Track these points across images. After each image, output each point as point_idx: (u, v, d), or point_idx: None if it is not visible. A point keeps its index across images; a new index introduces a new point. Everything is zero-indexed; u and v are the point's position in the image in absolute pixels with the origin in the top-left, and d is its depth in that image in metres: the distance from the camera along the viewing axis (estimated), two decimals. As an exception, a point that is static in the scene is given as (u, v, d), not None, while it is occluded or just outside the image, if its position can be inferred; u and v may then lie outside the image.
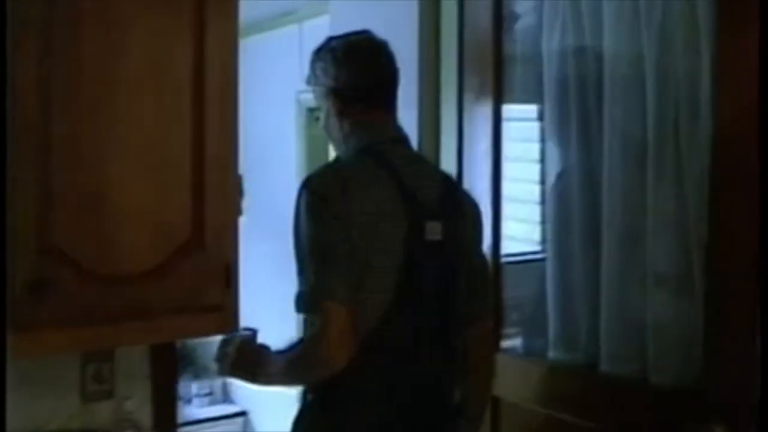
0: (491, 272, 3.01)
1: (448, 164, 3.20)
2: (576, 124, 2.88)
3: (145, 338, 2.23)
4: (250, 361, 2.53)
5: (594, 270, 2.85)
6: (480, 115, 3.12)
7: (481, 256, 2.76)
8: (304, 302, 2.39)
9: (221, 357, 2.57)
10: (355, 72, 2.58)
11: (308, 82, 2.67)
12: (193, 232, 2.19)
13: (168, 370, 2.61)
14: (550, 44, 2.92)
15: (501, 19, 3.07)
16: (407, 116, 3.17)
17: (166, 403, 2.61)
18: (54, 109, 2.01)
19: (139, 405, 2.53)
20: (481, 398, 2.76)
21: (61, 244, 2.03)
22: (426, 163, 2.75)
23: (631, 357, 2.76)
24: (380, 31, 3.06)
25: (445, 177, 2.70)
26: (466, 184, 3.11)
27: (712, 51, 2.50)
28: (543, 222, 3.17)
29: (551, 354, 2.98)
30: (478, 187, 3.10)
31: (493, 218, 3.07)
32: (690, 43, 2.57)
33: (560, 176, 2.98)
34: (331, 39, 2.64)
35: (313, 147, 4.66)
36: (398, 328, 2.44)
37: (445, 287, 2.54)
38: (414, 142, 3.12)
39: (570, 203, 2.92)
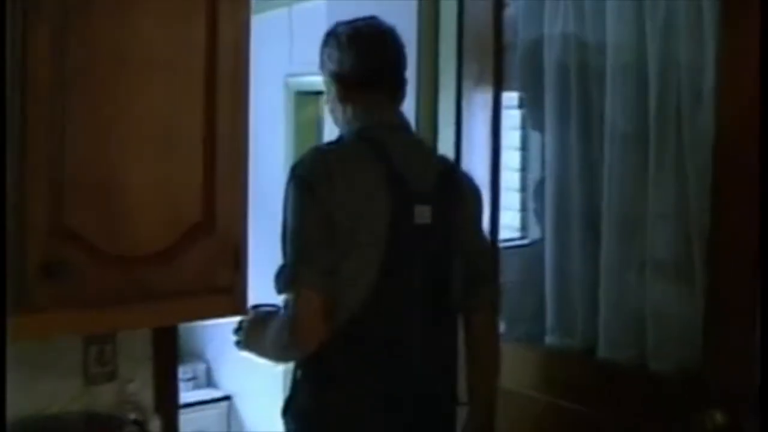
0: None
1: (445, 151, 3.20)
2: (576, 111, 2.90)
3: (155, 320, 2.23)
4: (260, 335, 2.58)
5: (593, 257, 2.87)
6: (479, 103, 3.12)
7: (484, 240, 2.79)
8: (282, 284, 2.44)
9: (236, 330, 2.64)
10: (356, 57, 2.60)
11: (319, 67, 2.67)
12: (203, 214, 2.18)
13: (169, 353, 2.60)
14: (552, 31, 2.93)
15: (501, 5, 3.07)
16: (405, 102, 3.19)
17: (167, 385, 2.60)
18: (67, 91, 1.99)
19: (141, 387, 2.52)
20: (489, 386, 2.77)
21: (74, 226, 2.01)
22: (425, 149, 2.77)
23: (630, 343, 2.79)
24: (378, 16, 3.07)
25: (445, 163, 2.72)
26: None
27: (716, 40, 2.52)
28: (523, 209, 3.20)
29: (548, 339, 3.00)
30: (476, 174, 3.10)
31: (492, 206, 3.08)
32: (693, 32, 2.59)
33: (557, 164, 2.98)
34: (338, 24, 2.65)
35: (301, 131, 4.64)
36: (382, 309, 2.47)
37: (438, 270, 2.57)
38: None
39: (569, 190, 2.93)
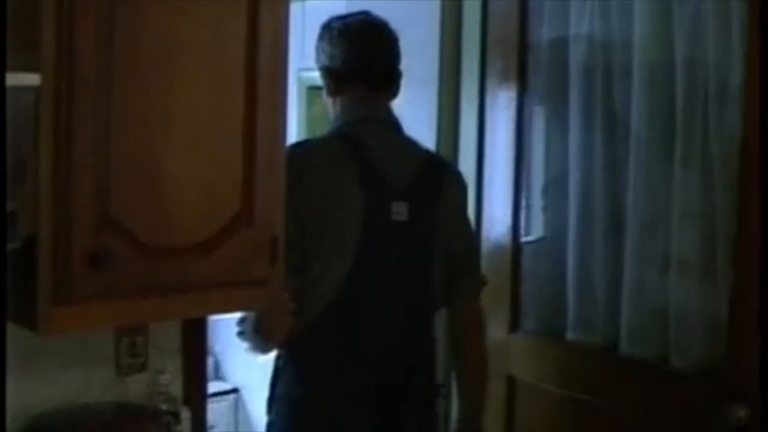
0: (510, 255, 3.05)
1: (466, 149, 3.22)
2: (601, 109, 2.91)
3: (194, 311, 2.23)
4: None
5: (615, 254, 2.89)
6: (502, 101, 3.14)
7: (466, 234, 2.82)
8: None
9: (239, 322, 2.69)
10: (345, 52, 2.67)
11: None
12: (243, 206, 2.19)
13: (199, 345, 2.61)
14: (578, 30, 2.94)
15: (526, 3, 3.08)
16: (426, 97, 3.21)
17: (196, 377, 2.60)
18: (112, 82, 1.99)
19: (171, 378, 2.52)
20: (476, 378, 2.83)
21: (118, 216, 2.02)
22: (409, 145, 2.77)
23: (652, 340, 2.81)
24: (401, 11, 3.09)
25: (430, 159, 2.76)
26: (487, 170, 3.14)
27: (744, 37, 2.53)
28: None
29: (570, 335, 3.01)
30: (498, 172, 3.13)
31: (514, 204, 3.10)
32: (721, 29, 2.61)
33: (581, 162, 3.00)
34: (332, 19, 2.73)
35: (313, 125, 4.65)
36: (355, 302, 2.56)
37: (416, 266, 2.64)
38: (432, 124, 3.16)
39: (592, 188, 2.94)
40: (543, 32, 3.07)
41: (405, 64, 3.24)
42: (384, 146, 2.60)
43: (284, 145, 2.28)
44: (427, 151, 2.82)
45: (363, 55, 2.66)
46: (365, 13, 2.70)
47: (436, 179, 2.67)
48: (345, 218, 2.52)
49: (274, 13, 2.21)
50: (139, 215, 2.05)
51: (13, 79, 1.83)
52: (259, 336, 2.59)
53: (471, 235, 2.89)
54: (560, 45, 3.00)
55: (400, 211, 2.57)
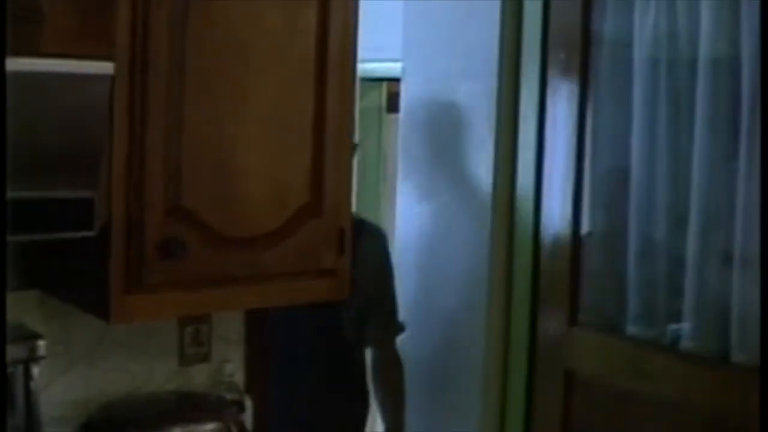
0: (570, 248, 3.05)
1: (525, 141, 3.21)
2: (665, 103, 2.89)
3: (261, 301, 2.23)
4: None
5: (677, 248, 2.87)
6: (564, 93, 3.11)
7: (382, 281, 3.14)
8: None
9: None
10: None
11: None
12: (312, 196, 2.19)
13: (262, 334, 2.61)
14: (643, 24, 2.91)
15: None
16: (486, 89, 3.20)
17: (259, 367, 2.61)
18: (185, 71, 2.00)
19: (234, 368, 2.53)
20: (394, 413, 3.21)
21: (190, 206, 2.03)
22: None
23: (714, 335, 2.78)
24: (462, 3, 3.08)
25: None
26: (546, 163, 3.12)
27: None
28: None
29: (630, 329, 2.99)
30: (559, 164, 3.11)
31: (575, 197, 3.07)
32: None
33: (644, 156, 2.98)
34: None
35: (366, 118, 4.65)
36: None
37: (331, 312, 2.92)
38: (492, 117, 3.15)
39: (655, 181, 2.92)
40: (606, 24, 3.04)
41: (465, 56, 3.26)
42: None
43: (351, 137, 2.27)
44: None
45: None
46: None
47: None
48: None
49: (344, 4, 2.21)
50: (210, 204, 2.06)
51: (87, 67, 1.82)
52: None
53: (387, 280, 3.18)
54: (624, 37, 2.97)
55: None
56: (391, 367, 3.22)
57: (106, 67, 1.85)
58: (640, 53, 2.94)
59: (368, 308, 3.08)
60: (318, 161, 2.19)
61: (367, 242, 3.01)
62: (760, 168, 2.41)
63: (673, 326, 2.90)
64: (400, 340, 3.28)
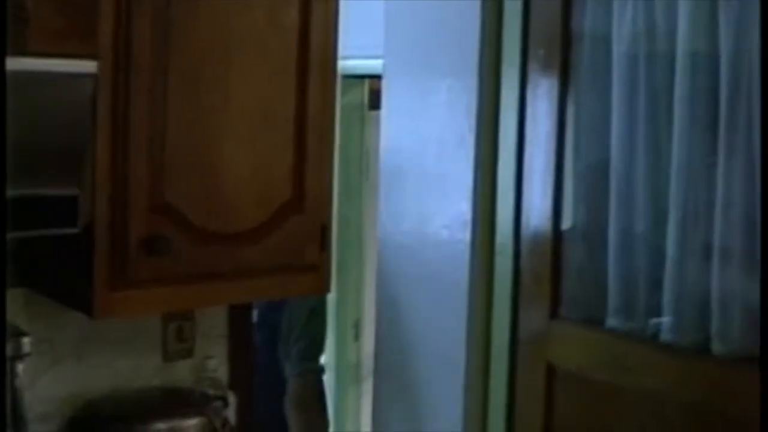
0: (550, 242, 3.08)
1: (506, 137, 3.23)
2: (644, 99, 2.91)
3: (245, 296, 2.27)
4: None
5: (657, 241, 2.90)
6: (544, 88, 3.14)
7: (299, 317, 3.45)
8: None
9: None
10: None
11: None
12: (294, 192, 2.22)
13: (245, 331, 2.63)
14: (622, 20, 2.94)
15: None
16: (466, 85, 3.22)
17: (242, 362, 2.63)
18: (168, 69, 2.02)
19: (218, 364, 2.55)
20: None
21: (174, 202, 2.05)
22: None
23: (694, 327, 2.81)
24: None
25: None
26: (527, 159, 3.16)
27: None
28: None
29: (609, 322, 3.02)
30: (539, 160, 3.13)
31: (554, 192, 3.10)
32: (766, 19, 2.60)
33: (623, 151, 3.01)
34: None
35: (347, 114, 4.67)
36: None
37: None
38: (473, 112, 3.17)
39: (635, 176, 2.95)
40: (586, 20, 3.06)
41: (446, 53, 3.27)
42: None
43: (333, 133, 2.29)
44: None
45: None
46: None
47: None
48: None
49: (325, 2, 2.22)
50: (194, 201, 2.09)
51: (71, 66, 1.84)
52: None
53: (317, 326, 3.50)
54: (603, 33, 2.99)
55: None
56: (306, 404, 3.54)
57: (89, 66, 1.86)
58: (619, 49, 2.95)
59: (296, 342, 3.42)
60: (300, 158, 2.22)
61: None
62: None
63: (653, 319, 2.92)
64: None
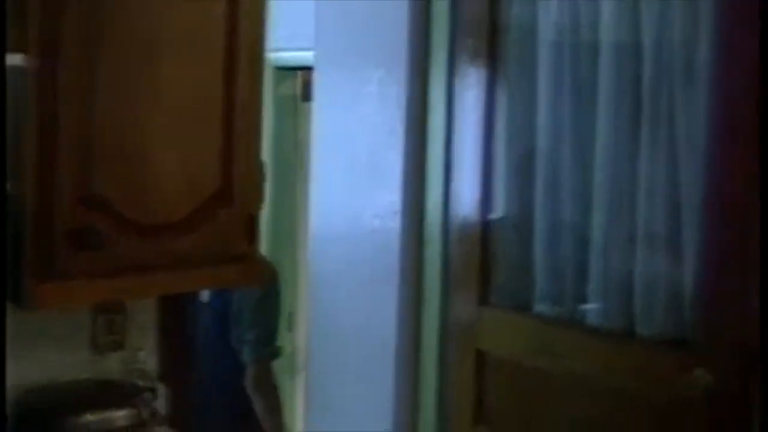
0: (479, 231, 3.11)
1: (435, 128, 3.26)
2: (569, 89, 2.96)
3: (176, 287, 2.26)
4: None
5: (583, 228, 2.95)
6: (472, 79, 3.17)
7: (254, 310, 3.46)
8: None
9: None
10: None
11: None
12: (222, 183, 2.22)
13: (176, 322, 2.63)
14: (547, 10, 2.98)
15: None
16: (395, 76, 3.25)
17: (172, 354, 2.63)
18: (96, 61, 2.02)
19: (148, 355, 2.55)
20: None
21: (101, 194, 2.05)
22: None
23: (618, 311, 2.87)
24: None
25: None
26: (455, 148, 3.19)
27: (713, 13, 2.59)
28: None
29: (537, 308, 3.07)
30: (468, 151, 3.17)
31: (483, 183, 3.14)
32: (689, 12, 2.66)
33: (550, 140, 3.06)
34: None
35: (280, 106, 4.67)
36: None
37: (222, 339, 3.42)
38: (402, 103, 3.20)
39: (561, 164, 3.00)
40: (513, 10, 3.11)
41: (376, 45, 3.29)
42: None
43: (260, 125, 2.30)
44: None
45: None
46: None
47: None
48: None
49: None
50: (123, 193, 2.08)
51: (1, 58, 1.84)
52: None
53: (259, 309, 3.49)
54: (530, 23, 3.04)
55: (204, 294, 3.33)
56: (264, 388, 3.53)
57: (16, 59, 1.86)
58: (544, 39, 3.00)
59: (250, 328, 3.47)
60: (228, 150, 2.22)
61: None
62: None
63: (581, 305, 2.97)
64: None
